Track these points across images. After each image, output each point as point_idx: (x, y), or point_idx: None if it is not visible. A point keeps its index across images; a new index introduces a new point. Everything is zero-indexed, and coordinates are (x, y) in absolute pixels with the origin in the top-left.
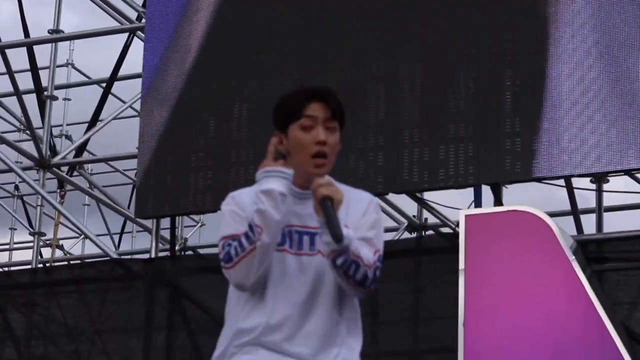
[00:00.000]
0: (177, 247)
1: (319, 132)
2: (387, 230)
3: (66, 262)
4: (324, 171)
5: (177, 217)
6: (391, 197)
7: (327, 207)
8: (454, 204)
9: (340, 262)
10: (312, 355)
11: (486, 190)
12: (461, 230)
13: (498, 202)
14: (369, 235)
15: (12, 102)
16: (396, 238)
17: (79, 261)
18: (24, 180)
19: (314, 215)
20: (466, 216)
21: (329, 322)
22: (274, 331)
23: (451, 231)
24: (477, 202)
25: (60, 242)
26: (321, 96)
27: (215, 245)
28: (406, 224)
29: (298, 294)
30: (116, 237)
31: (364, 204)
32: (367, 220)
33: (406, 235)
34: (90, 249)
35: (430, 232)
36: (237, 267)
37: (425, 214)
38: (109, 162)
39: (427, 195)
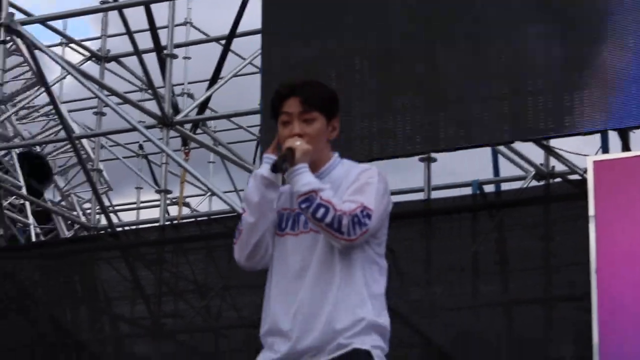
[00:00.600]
0: None
1: (295, 126)
2: (515, 179)
3: (193, 219)
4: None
5: None
6: (518, 145)
7: (281, 153)
8: (581, 151)
9: (305, 205)
10: (302, 331)
11: (613, 136)
12: (589, 176)
13: (626, 147)
14: (354, 194)
15: (132, 62)
16: (524, 186)
17: (206, 217)
18: (148, 139)
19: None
20: (594, 162)
21: (318, 291)
22: (277, 327)
23: (579, 178)
24: (605, 148)
25: (187, 199)
26: (295, 92)
27: None
28: (533, 172)
29: (292, 270)
30: (242, 193)
31: (356, 172)
32: (356, 184)
33: (534, 183)
34: (217, 206)
35: (558, 179)
36: (235, 246)
37: (553, 161)
38: (232, 119)
39: (554, 143)
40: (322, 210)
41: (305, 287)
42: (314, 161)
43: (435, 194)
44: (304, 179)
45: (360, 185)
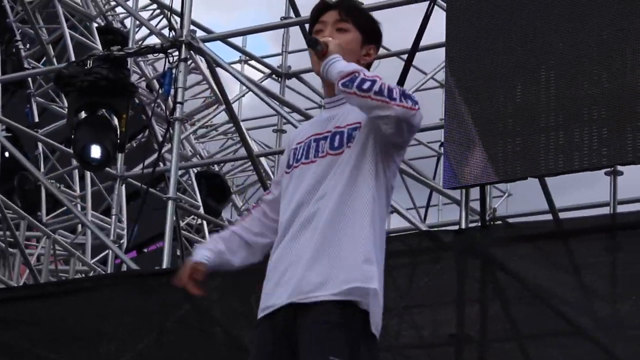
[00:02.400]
0: (486, 218)
1: (326, 32)
2: None
3: None
4: None
5: (486, 187)
6: None
7: (313, 43)
8: None
9: (348, 81)
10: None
11: None
12: None
13: None
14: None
15: (311, 79)
16: None
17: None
18: None
19: (333, 119)
20: None
21: (326, 229)
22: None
23: None
24: None
25: None
26: (334, 4)
27: (526, 214)
28: None
29: (305, 186)
30: (422, 211)
31: None
32: None
33: None
34: (397, 223)
35: None
36: None
37: None
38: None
39: None
40: (368, 82)
41: (317, 222)
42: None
43: (622, 208)
44: (342, 64)
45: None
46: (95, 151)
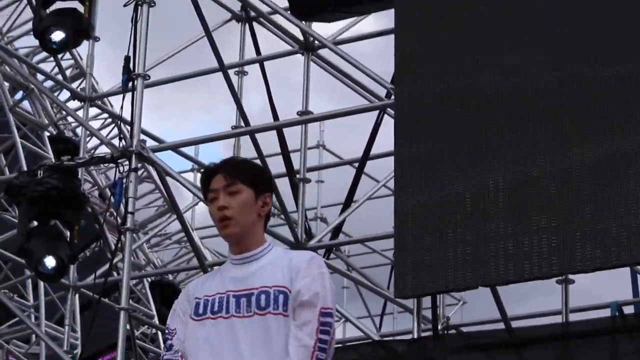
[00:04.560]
0: (439, 327)
1: (220, 200)
2: None
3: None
4: (231, 231)
5: (438, 296)
6: None
7: None
8: None
9: None
10: None
11: None
12: None
13: None
14: (305, 297)
15: None
16: None
17: (340, 345)
18: None
19: (250, 277)
20: None
21: None
22: None
23: None
24: None
25: None
26: (218, 169)
27: (479, 323)
28: None
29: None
30: (377, 319)
31: (304, 261)
32: (305, 280)
33: None
34: (351, 332)
35: None
36: None
37: None
38: (366, 244)
39: None
40: None
41: None
42: (245, 237)
43: (573, 317)
44: None
45: (311, 280)
46: (49, 262)
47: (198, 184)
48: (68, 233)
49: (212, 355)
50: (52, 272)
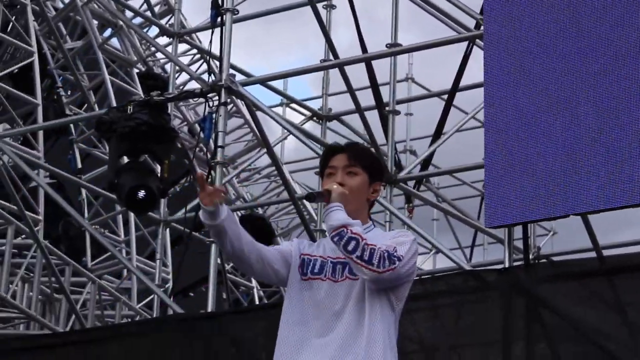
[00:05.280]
0: (530, 256)
1: (338, 176)
2: None
3: (417, 277)
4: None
5: (529, 226)
6: None
7: (317, 194)
8: None
9: (337, 237)
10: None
11: None
12: None
13: None
14: (389, 242)
15: (351, 121)
16: None
17: (429, 276)
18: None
19: None
20: None
21: (348, 335)
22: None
23: None
24: None
25: None
26: (344, 149)
27: (570, 252)
28: None
29: (325, 314)
30: (467, 251)
31: (394, 232)
32: (391, 239)
33: None
34: (442, 264)
35: None
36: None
37: None
38: (455, 175)
39: None
40: (352, 243)
41: (338, 330)
42: (352, 215)
43: None
44: (336, 215)
45: (394, 240)
46: (140, 194)
47: (288, 117)
48: (158, 168)
49: (305, 310)
50: (142, 204)
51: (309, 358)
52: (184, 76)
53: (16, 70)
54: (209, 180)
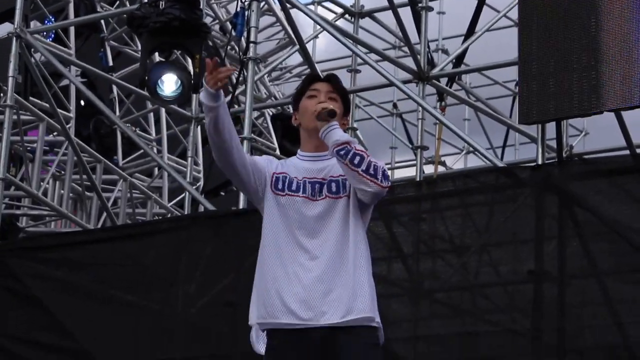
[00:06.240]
0: (563, 154)
1: (321, 97)
2: None
3: (449, 175)
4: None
5: (562, 122)
6: None
7: (326, 113)
8: None
9: (343, 152)
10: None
11: None
12: None
13: None
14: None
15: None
16: None
17: (461, 174)
18: (407, 96)
19: (322, 171)
20: None
21: (335, 256)
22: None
23: None
24: None
25: (442, 158)
26: (323, 78)
27: (602, 151)
28: None
29: (308, 231)
30: (498, 151)
31: None
32: None
33: None
34: (472, 163)
35: None
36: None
37: None
38: (487, 74)
39: None
40: (358, 158)
41: (324, 251)
42: (320, 141)
43: None
44: (339, 132)
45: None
46: (170, 83)
47: (320, 13)
48: (190, 65)
49: (288, 226)
50: (172, 94)
51: (297, 277)
52: None
53: None
54: (241, 77)
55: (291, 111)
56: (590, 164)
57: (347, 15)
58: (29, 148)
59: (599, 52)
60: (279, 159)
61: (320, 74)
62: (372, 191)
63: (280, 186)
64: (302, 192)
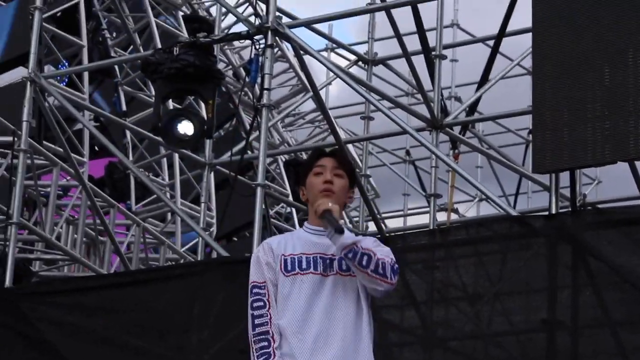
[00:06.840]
0: (577, 203)
1: (327, 174)
2: None
3: (462, 224)
4: (331, 201)
5: (575, 171)
6: None
7: (327, 215)
8: None
9: (351, 254)
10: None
11: None
12: None
13: None
14: (379, 249)
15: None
16: None
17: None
18: (419, 143)
19: (332, 246)
20: None
21: (348, 338)
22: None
23: None
24: None
25: (455, 205)
26: (329, 153)
27: (616, 200)
28: None
29: (319, 303)
30: (511, 199)
31: (370, 240)
32: (377, 246)
33: None
34: (486, 211)
35: None
36: None
37: None
38: (500, 122)
39: None
40: (365, 258)
41: (336, 330)
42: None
43: None
44: (345, 235)
45: (379, 248)
46: (184, 127)
47: (333, 60)
48: (204, 111)
49: (299, 306)
50: (186, 138)
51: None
52: (228, 19)
53: (61, 12)
54: (255, 123)
55: (304, 157)
56: (604, 214)
57: (360, 62)
58: (42, 192)
59: (613, 103)
60: (292, 205)
61: (326, 149)
62: (383, 290)
63: (288, 267)
64: (312, 269)
